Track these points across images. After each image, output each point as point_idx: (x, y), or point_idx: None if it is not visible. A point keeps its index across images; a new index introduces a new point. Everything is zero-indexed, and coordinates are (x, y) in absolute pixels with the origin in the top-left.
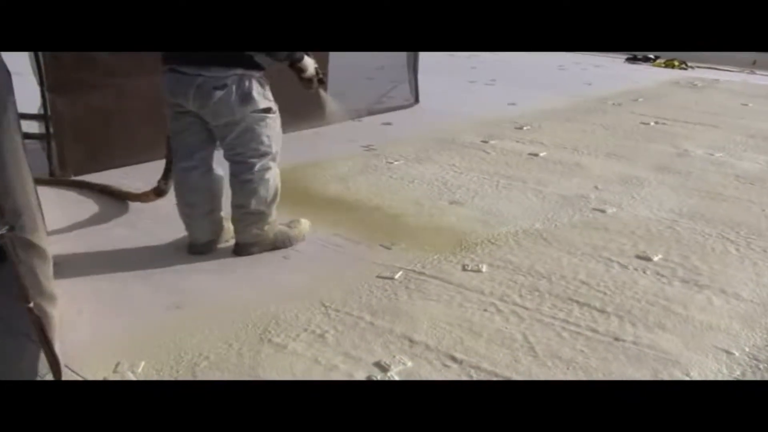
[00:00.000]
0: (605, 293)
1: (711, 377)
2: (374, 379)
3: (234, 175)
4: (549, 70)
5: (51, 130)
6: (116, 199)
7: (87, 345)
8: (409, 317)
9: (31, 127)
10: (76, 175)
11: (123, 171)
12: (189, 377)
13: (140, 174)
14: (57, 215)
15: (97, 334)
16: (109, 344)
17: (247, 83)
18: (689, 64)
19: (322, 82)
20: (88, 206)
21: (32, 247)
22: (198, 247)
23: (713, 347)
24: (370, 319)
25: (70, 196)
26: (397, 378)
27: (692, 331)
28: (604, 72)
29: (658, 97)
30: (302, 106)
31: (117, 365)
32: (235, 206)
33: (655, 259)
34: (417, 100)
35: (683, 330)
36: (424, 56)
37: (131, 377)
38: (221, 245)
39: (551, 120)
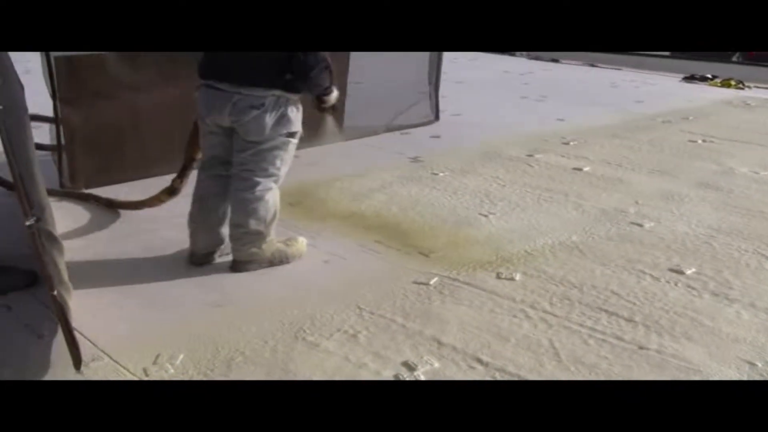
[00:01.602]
0: (634, 303)
1: None
2: (401, 378)
3: (236, 190)
4: (601, 87)
5: (62, 141)
6: (125, 209)
7: (128, 337)
8: (439, 320)
9: (43, 138)
10: (86, 187)
11: (133, 184)
12: (224, 371)
13: (150, 188)
14: (81, 222)
15: (138, 327)
16: (149, 337)
17: (283, 106)
18: (746, 83)
19: (335, 109)
20: (103, 215)
21: (54, 240)
22: (198, 258)
23: (736, 358)
24: (402, 322)
25: (83, 207)
26: (423, 377)
27: (717, 342)
28: (657, 90)
29: (708, 115)
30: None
31: (157, 357)
32: (234, 225)
33: (688, 272)
34: (437, 117)
35: (708, 341)
36: (480, 71)
37: (170, 369)
38: (219, 259)
39: (598, 136)
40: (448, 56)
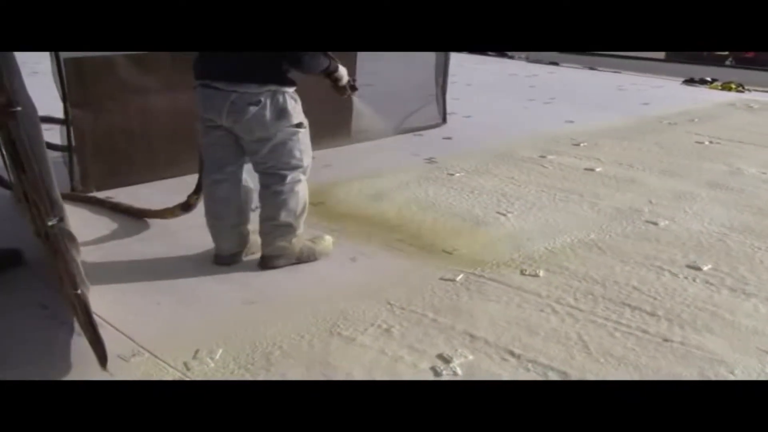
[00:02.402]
0: (656, 298)
1: (754, 376)
2: (438, 369)
3: (265, 186)
4: (607, 90)
5: (73, 144)
6: (137, 218)
7: (167, 333)
8: (469, 315)
9: (53, 140)
10: (98, 190)
11: (144, 187)
12: (264, 365)
13: (161, 190)
14: (103, 223)
15: (176, 324)
16: (187, 333)
17: (281, 99)
18: (746, 87)
19: (354, 88)
20: (124, 217)
21: (74, 240)
22: (223, 259)
23: (757, 349)
24: (433, 317)
25: (99, 210)
26: (459, 370)
27: (738, 335)
28: (661, 93)
29: (713, 117)
30: (332, 124)
31: (196, 352)
32: (264, 218)
33: (705, 268)
34: (444, 120)
35: (729, 333)
36: (487, 74)
37: (210, 363)
38: (246, 258)
39: (608, 137)
40: (455, 59)
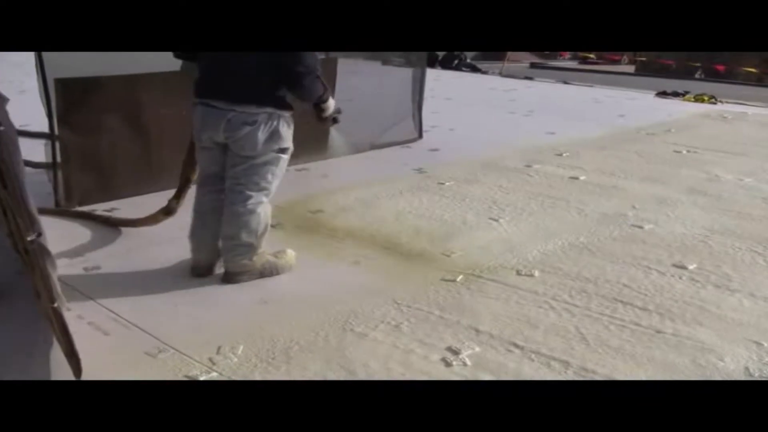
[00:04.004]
0: (646, 295)
1: (742, 363)
2: (448, 361)
3: (230, 203)
4: (584, 102)
5: (58, 160)
6: (121, 227)
7: (188, 331)
8: (472, 312)
9: (35, 156)
10: (81, 205)
11: (127, 201)
12: (284, 359)
13: (144, 204)
14: (90, 237)
15: (195, 323)
16: (207, 331)
17: (275, 122)
18: (718, 99)
19: (336, 121)
20: (108, 232)
21: (49, 255)
22: (200, 270)
23: (744, 339)
24: (439, 314)
25: (86, 224)
26: (468, 361)
27: (725, 326)
28: (636, 104)
29: (689, 127)
30: (309, 141)
31: (219, 348)
32: (226, 237)
33: (690, 267)
34: (420, 135)
35: (717, 325)
36: (465, 89)
37: (233, 358)
38: (219, 271)
39: (588, 148)
40: (432, 74)
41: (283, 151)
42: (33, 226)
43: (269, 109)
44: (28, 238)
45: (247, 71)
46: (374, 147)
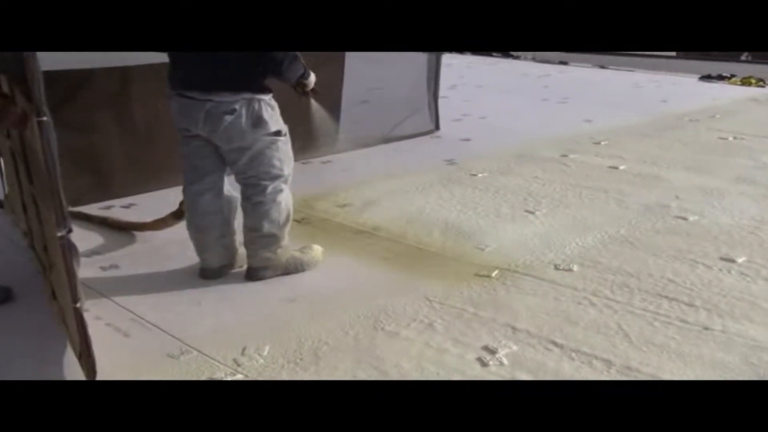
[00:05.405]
0: (692, 290)
1: None
2: (484, 360)
3: (246, 198)
4: (623, 87)
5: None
6: (129, 231)
7: (212, 332)
8: (509, 308)
9: None
10: (74, 205)
11: (122, 201)
12: (312, 359)
13: (142, 203)
14: (106, 238)
15: (219, 323)
16: (233, 331)
17: (256, 106)
18: (767, 81)
19: (315, 92)
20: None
21: (77, 252)
22: (210, 272)
23: None
24: (474, 311)
25: (89, 226)
26: (505, 360)
27: None
28: (679, 90)
29: (735, 113)
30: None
31: (244, 349)
32: (247, 229)
33: (739, 260)
34: (437, 127)
35: None
36: (497, 75)
37: (259, 359)
38: (234, 270)
39: (628, 135)
40: (463, 61)
41: (276, 134)
42: (64, 221)
43: (247, 95)
44: (58, 234)
45: (220, 57)
46: (388, 140)
